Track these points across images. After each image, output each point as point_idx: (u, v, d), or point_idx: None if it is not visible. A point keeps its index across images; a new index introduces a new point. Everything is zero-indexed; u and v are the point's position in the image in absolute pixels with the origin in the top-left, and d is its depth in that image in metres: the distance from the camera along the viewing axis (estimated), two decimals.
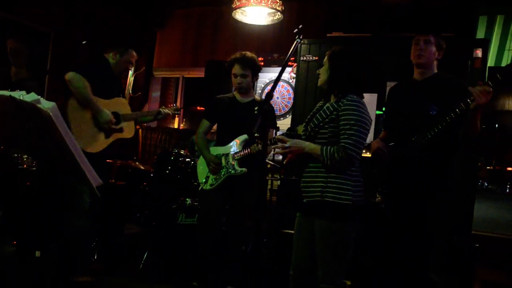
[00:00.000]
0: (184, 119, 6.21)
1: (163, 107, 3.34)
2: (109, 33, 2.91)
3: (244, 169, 2.84)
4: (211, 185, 2.91)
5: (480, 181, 3.51)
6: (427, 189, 2.34)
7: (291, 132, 2.27)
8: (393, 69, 3.46)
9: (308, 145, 2.04)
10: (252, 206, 2.94)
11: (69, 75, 2.69)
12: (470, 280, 2.78)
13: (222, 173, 2.88)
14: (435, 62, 2.49)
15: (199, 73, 5.69)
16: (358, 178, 2.04)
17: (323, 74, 2.14)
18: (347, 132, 1.95)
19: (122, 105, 3.01)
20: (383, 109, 3.31)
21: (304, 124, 2.21)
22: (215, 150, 2.99)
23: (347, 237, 2.00)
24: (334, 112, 2.01)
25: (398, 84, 2.74)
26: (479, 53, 3.25)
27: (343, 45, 2.16)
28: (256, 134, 2.79)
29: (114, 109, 2.91)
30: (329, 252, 2.00)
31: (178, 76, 6.22)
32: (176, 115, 3.33)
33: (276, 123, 3.07)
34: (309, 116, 2.20)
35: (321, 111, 2.09)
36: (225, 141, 2.96)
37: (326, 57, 2.15)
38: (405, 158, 2.37)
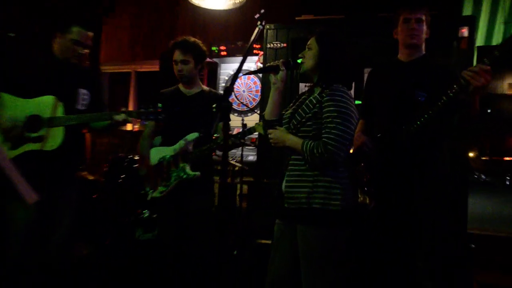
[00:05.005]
0: (138, 120, 5.92)
1: (124, 109, 2.70)
2: (43, 21, 2.63)
3: (197, 172, 2.73)
4: (161, 192, 2.79)
5: (476, 173, 3.50)
6: (420, 185, 2.30)
7: (272, 120, 2.15)
8: (370, 54, 3.34)
9: (291, 139, 1.99)
10: (209, 211, 2.88)
11: None
12: (467, 285, 2.75)
13: (173, 178, 2.76)
14: (424, 43, 2.48)
15: (154, 67, 5.51)
16: (347, 180, 1.96)
17: (309, 60, 2.03)
18: (328, 125, 1.87)
19: (51, 105, 2.46)
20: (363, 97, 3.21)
21: (285, 120, 2.11)
22: (161, 151, 2.85)
23: (337, 246, 1.92)
24: (317, 105, 1.93)
25: (380, 65, 2.69)
26: (465, 32, 3.18)
27: (330, 27, 2.07)
28: (216, 135, 2.81)
29: (35, 111, 2.44)
30: (316, 264, 1.91)
31: (129, 70, 5.99)
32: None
33: (229, 116, 2.97)
34: (290, 111, 2.10)
35: (303, 105, 2.00)
36: (172, 140, 2.82)
37: (312, 40, 2.04)
38: (395, 151, 2.33)
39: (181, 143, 2.78)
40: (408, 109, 2.31)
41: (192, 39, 2.88)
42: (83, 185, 4.04)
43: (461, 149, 3.13)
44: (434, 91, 2.25)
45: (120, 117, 2.53)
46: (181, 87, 2.96)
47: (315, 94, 1.99)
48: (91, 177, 4.24)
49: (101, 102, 2.82)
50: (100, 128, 2.76)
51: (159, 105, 2.62)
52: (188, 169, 2.75)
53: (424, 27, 2.45)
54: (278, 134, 2.04)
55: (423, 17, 2.44)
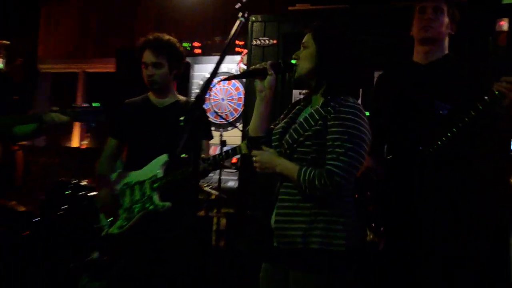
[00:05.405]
0: (88, 134, 5.99)
1: (56, 108, 2.71)
2: None
3: (167, 203, 2.70)
4: (120, 227, 2.74)
5: None
6: (443, 221, 2.35)
7: (258, 137, 2.13)
8: (382, 54, 3.37)
9: (282, 164, 1.95)
10: (180, 252, 2.86)
11: None
12: None
13: (136, 210, 2.74)
14: (446, 39, 2.46)
15: (107, 67, 5.52)
16: (354, 212, 1.93)
17: (305, 61, 1.98)
18: (336, 150, 1.82)
19: None
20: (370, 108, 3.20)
21: (275, 137, 2.05)
22: (124, 177, 2.86)
23: None
24: (320, 122, 1.86)
25: (390, 68, 2.71)
26: (504, 24, 3.14)
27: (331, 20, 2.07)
28: (183, 155, 2.68)
29: None
30: None
31: (76, 71, 5.98)
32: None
33: (210, 132, 3.05)
34: (281, 125, 2.05)
35: (301, 120, 1.94)
36: (138, 163, 2.80)
37: (309, 36, 2.01)
38: (410, 177, 2.36)
39: (148, 167, 2.78)
40: (426, 125, 2.32)
41: (167, 37, 2.85)
42: (10, 218, 4.01)
43: (498, 172, 3.05)
44: (459, 102, 2.24)
45: (50, 116, 2.49)
46: (151, 96, 2.91)
47: (317, 107, 1.92)
48: (22, 209, 4.17)
49: (15, 104, 2.77)
50: (26, 135, 2.74)
51: (96, 104, 2.61)
52: (156, 198, 2.73)
53: (446, 19, 2.42)
54: (266, 157, 1.99)
55: (444, 7, 2.42)
